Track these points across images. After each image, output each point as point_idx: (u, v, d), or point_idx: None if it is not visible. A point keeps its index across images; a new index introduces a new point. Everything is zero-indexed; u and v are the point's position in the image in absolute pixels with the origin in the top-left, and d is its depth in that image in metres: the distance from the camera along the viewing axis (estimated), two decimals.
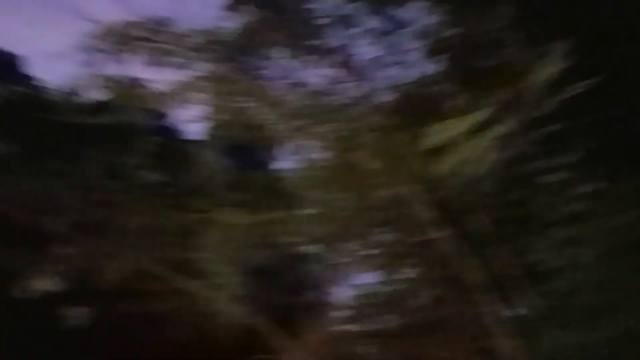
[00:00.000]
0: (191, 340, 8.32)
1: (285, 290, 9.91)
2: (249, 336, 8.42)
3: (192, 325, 8.21)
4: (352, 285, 8.21)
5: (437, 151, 5.70)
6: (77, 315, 7.22)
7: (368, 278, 7.99)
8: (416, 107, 6.63)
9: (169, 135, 10.28)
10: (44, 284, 7.01)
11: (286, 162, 7.86)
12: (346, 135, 6.51)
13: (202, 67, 6.50)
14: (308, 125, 6.64)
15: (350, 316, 8.24)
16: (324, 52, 6.32)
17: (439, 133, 5.58)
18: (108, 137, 8.74)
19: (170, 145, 9.52)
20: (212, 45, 6.42)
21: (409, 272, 7.36)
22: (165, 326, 8.31)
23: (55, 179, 7.78)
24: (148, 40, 6.56)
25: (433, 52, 6.64)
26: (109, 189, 7.59)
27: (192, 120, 6.91)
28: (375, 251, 7.51)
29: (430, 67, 6.82)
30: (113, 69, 6.82)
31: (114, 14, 6.70)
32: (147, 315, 7.93)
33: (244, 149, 7.56)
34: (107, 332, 8.91)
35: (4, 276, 7.95)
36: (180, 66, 6.45)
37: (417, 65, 6.88)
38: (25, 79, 13.16)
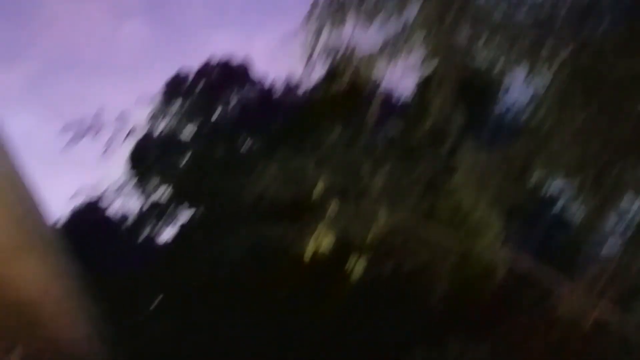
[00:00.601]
0: (454, 291, 8.27)
1: (547, 230, 9.29)
2: (518, 281, 8.08)
3: (456, 276, 8.14)
4: (623, 214, 7.33)
5: None
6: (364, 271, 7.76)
7: None
8: None
9: (395, 90, 10.35)
10: (321, 246, 7.66)
11: (522, 92, 7.29)
12: (591, 42, 5.73)
13: (415, 12, 6.32)
14: (542, 43, 6.01)
15: (625, 249, 7.38)
16: None
17: None
18: (339, 107, 9.14)
19: (399, 99, 9.55)
20: None
21: None
22: (427, 280, 8.38)
23: (305, 156, 8.44)
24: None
25: None
26: (352, 155, 7.94)
27: (414, 70, 6.78)
28: None
29: None
30: (333, 40, 7.00)
31: None
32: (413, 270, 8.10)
33: (474, 85, 7.19)
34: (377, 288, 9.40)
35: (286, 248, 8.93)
36: (393, 17, 6.35)
37: None
38: (257, 80, 14.57)
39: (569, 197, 8.06)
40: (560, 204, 9.22)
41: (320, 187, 7.89)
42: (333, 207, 7.91)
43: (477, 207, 7.13)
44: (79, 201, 14.78)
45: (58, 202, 15.70)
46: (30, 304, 5.40)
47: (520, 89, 7.16)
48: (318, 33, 6.91)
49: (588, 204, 7.16)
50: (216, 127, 13.99)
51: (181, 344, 11.25)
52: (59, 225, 12.57)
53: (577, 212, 8.05)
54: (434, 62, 6.49)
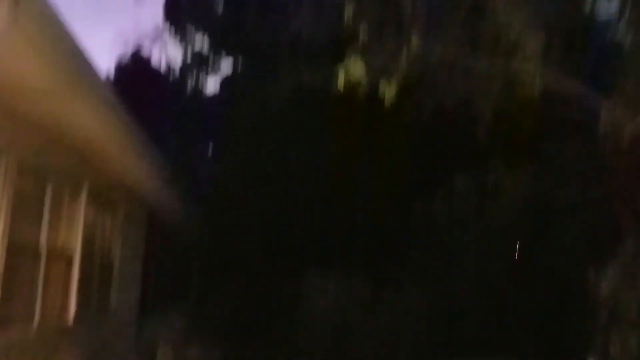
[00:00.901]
0: (497, 118, 8.29)
1: (589, 50, 8.96)
2: (559, 103, 8.03)
3: (499, 103, 8.10)
4: None
5: None
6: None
7: None
8: None
9: None
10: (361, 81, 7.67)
11: None
12: None
13: None
14: None
15: None
16: None
17: None
18: None
19: None
20: None
21: None
22: (471, 109, 8.38)
23: None
24: None
25: None
26: None
27: None
28: None
29: None
30: None
31: None
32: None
33: None
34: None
35: None
36: None
37: None
38: None
39: (612, 16, 7.69)
40: (602, 23, 8.80)
41: (356, 19, 7.73)
42: (372, 40, 7.80)
43: (518, 28, 6.91)
44: (121, 51, 14.97)
45: (99, 52, 15.81)
46: (90, 144, 5.79)
47: None
48: None
49: (630, 22, 6.84)
50: None
51: (233, 183, 11.94)
52: (105, 74, 12.91)
53: (619, 31, 7.72)
54: None
